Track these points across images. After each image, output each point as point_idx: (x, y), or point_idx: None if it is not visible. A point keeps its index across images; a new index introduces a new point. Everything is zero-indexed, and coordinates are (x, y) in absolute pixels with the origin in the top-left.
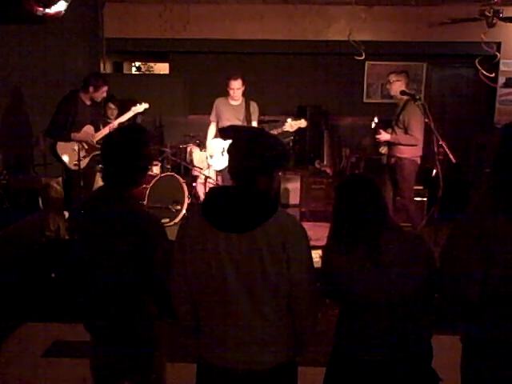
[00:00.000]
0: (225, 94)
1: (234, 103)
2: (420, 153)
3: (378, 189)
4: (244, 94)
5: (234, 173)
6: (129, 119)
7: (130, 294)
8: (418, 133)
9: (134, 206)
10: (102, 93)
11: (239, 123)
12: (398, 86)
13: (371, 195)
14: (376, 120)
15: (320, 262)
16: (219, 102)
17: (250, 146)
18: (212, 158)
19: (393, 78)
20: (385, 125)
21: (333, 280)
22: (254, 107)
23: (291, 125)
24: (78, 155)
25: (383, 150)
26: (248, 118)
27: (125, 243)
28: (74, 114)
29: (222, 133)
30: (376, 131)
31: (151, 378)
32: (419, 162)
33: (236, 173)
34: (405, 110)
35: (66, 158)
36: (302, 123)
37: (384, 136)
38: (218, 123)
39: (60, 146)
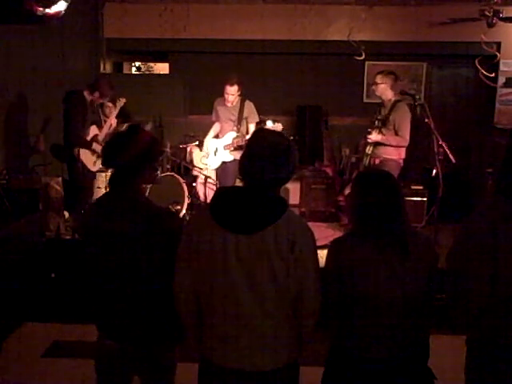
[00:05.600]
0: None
1: (228, 104)
2: (404, 155)
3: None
4: (241, 95)
5: (254, 179)
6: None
7: (149, 291)
8: (407, 135)
9: (150, 204)
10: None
11: (231, 124)
12: (383, 88)
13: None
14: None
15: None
16: (217, 103)
17: (286, 157)
18: (208, 157)
19: (378, 80)
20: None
21: (343, 276)
22: (250, 107)
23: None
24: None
25: (369, 150)
26: (240, 119)
27: (146, 240)
28: (85, 114)
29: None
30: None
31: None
32: (402, 164)
33: (258, 180)
34: (394, 111)
35: (85, 160)
36: (279, 127)
37: (375, 137)
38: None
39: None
